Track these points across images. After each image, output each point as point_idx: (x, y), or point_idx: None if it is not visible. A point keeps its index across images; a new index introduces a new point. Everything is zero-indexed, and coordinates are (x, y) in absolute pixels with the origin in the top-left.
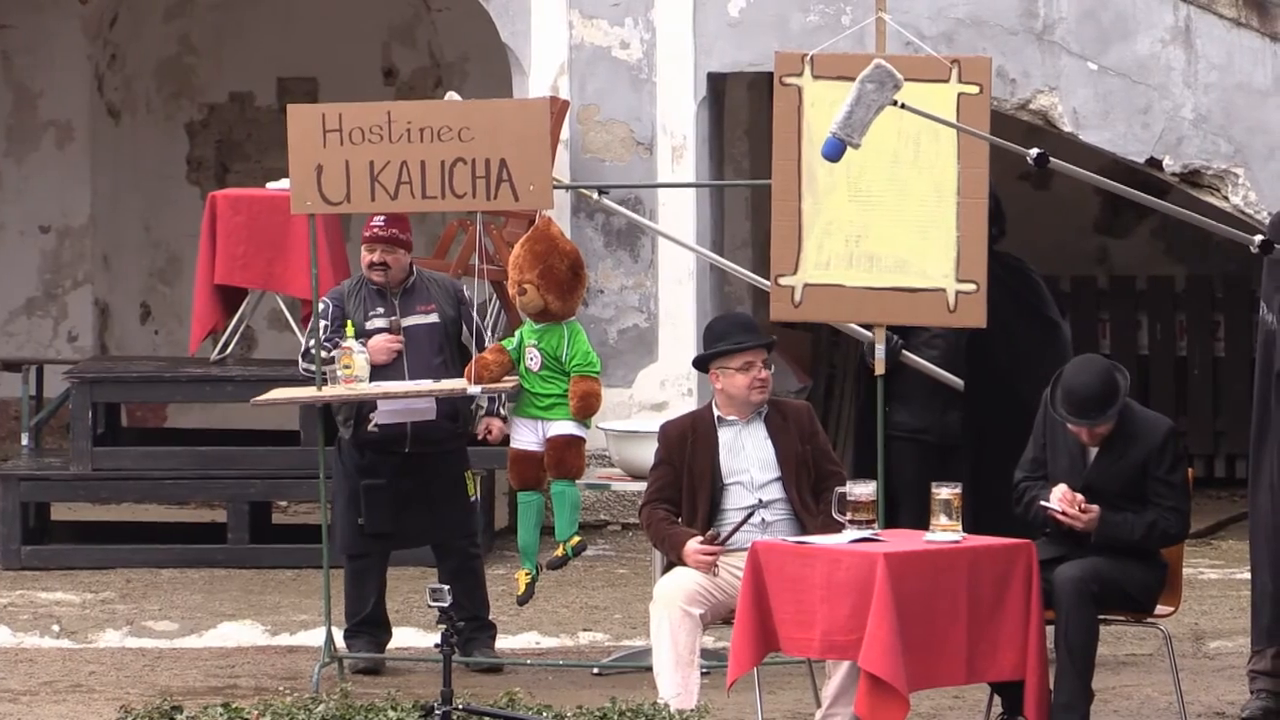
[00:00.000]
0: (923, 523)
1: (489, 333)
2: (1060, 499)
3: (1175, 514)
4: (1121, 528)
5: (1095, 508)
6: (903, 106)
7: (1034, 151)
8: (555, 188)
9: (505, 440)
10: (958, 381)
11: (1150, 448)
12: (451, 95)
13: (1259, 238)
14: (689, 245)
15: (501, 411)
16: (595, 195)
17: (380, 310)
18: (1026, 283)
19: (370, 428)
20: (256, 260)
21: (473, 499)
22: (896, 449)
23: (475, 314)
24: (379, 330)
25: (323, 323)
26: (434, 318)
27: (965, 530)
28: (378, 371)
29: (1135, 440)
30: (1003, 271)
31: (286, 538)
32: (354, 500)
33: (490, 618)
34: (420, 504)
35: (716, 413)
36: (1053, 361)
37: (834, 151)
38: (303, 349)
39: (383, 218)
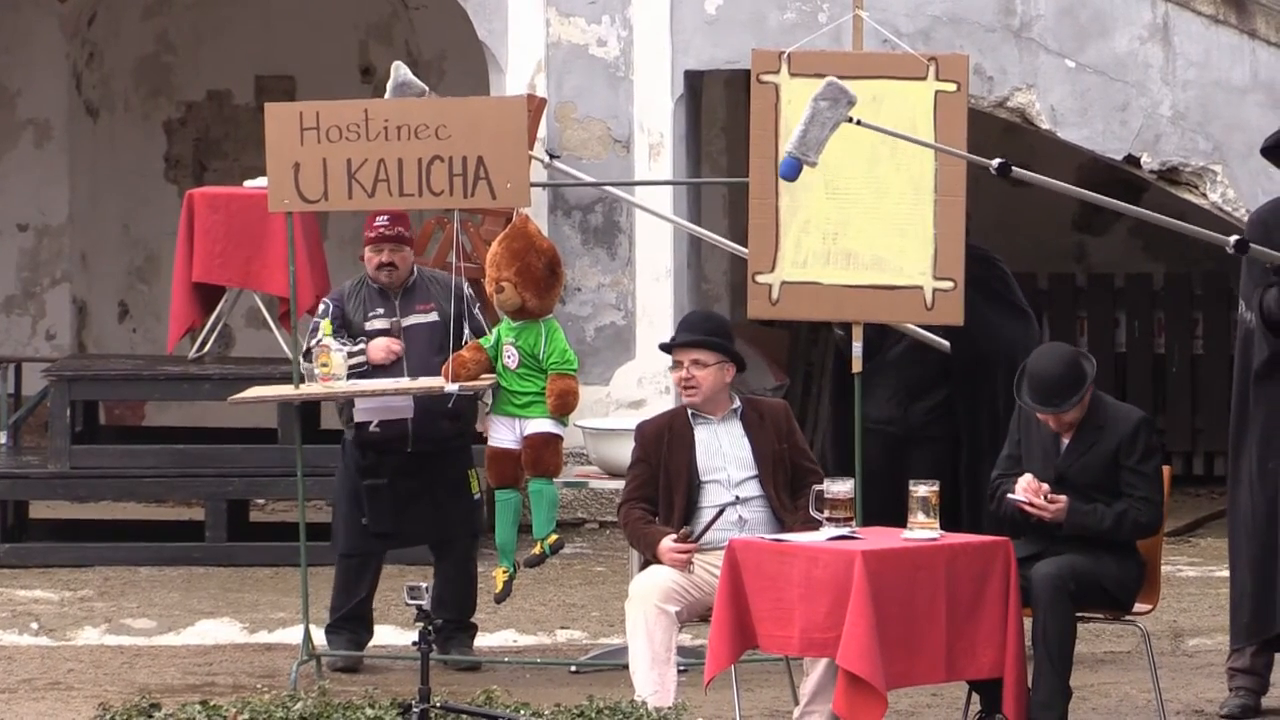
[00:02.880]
0: (888, 514)
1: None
2: (1025, 489)
3: (1146, 504)
4: (1090, 517)
5: (1063, 498)
6: (858, 123)
7: (995, 161)
8: (534, 185)
9: None
10: (944, 343)
11: (1121, 437)
12: (398, 66)
13: (1234, 238)
14: (666, 216)
15: None
16: (547, 158)
17: (380, 310)
18: (994, 272)
19: (373, 427)
20: (234, 258)
21: (476, 497)
22: (862, 440)
23: (475, 311)
24: (379, 331)
25: (323, 322)
26: (434, 316)
27: (945, 526)
28: (379, 371)
29: (1106, 430)
30: (970, 262)
31: (264, 535)
32: (356, 499)
33: (472, 619)
34: (423, 503)
35: (691, 410)
36: (1027, 351)
37: (791, 171)
38: (304, 349)
39: (386, 217)
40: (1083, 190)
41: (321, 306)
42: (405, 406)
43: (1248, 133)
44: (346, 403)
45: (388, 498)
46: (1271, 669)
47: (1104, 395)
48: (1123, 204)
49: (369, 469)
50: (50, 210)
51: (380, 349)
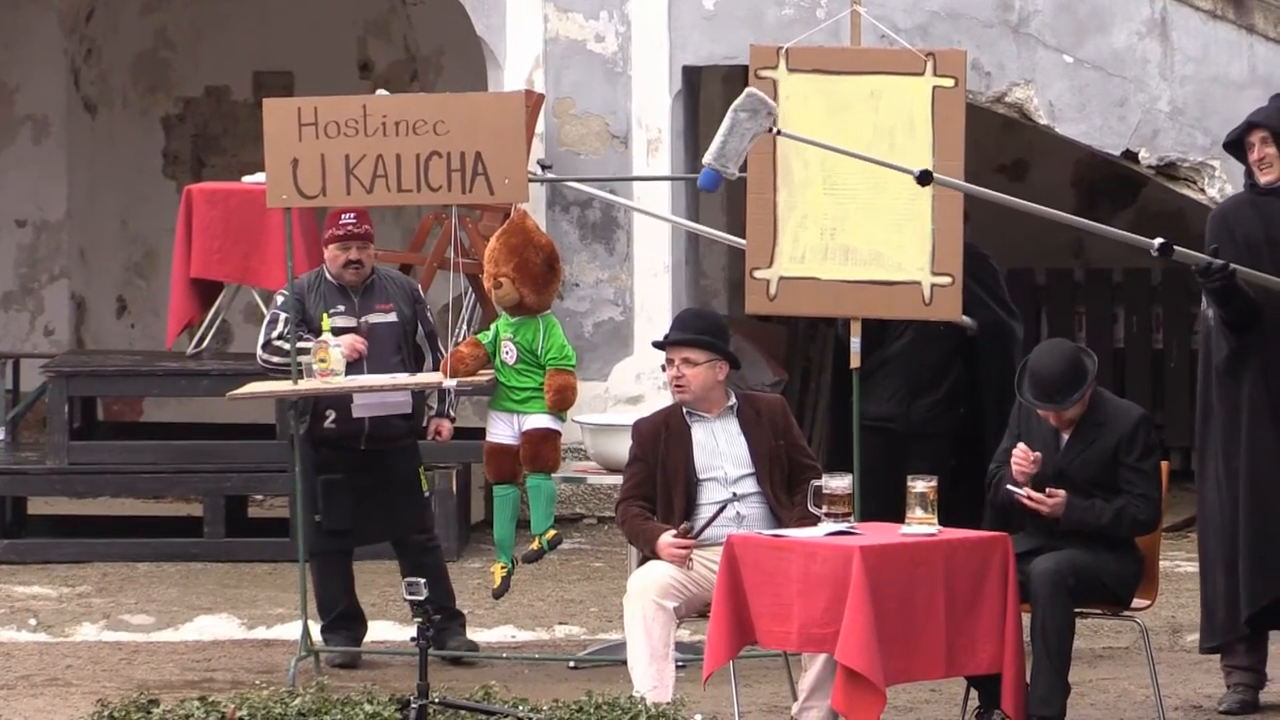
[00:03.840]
0: (887, 511)
1: (464, 326)
2: (1017, 459)
3: (1145, 501)
4: (1089, 512)
5: (1061, 492)
6: (778, 133)
7: (918, 169)
8: (531, 180)
9: (455, 438)
10: (971, 323)
11: (1121, 434)
12: (381, 93)
13: (1158, 241)
14: (661, 215)
15: (450, 412)
16: (540, 170)
17: (341, 308)
18: (990, 273)
19: (328, 424)
20: (232, 254)
21: (427, 494)
22: (862, 437)
23: (430, 314)
24: (343, 329)
25: (283, 314)
26: (393, 316)
27: (957, 516)
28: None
29: (1106, 427)
30: (967, 260)
31: (262, 531)
32: (311, 497)
33: (457, 607)
34: (377, 500)
35: (687, 408)
36: (1021, 352)
37: (710, 182)
38: (261, 341)
39: (353, 215)
40: (999, 194)
41: (280, 299)
42: (404, 402)
43: None
44: (301, 399)
45: (343, 494)
46: (1266, 662)
47: (1104, 392)
48: (1041, 208)
49: (324, 465)
50: (48, 206)
51: (347, 347)
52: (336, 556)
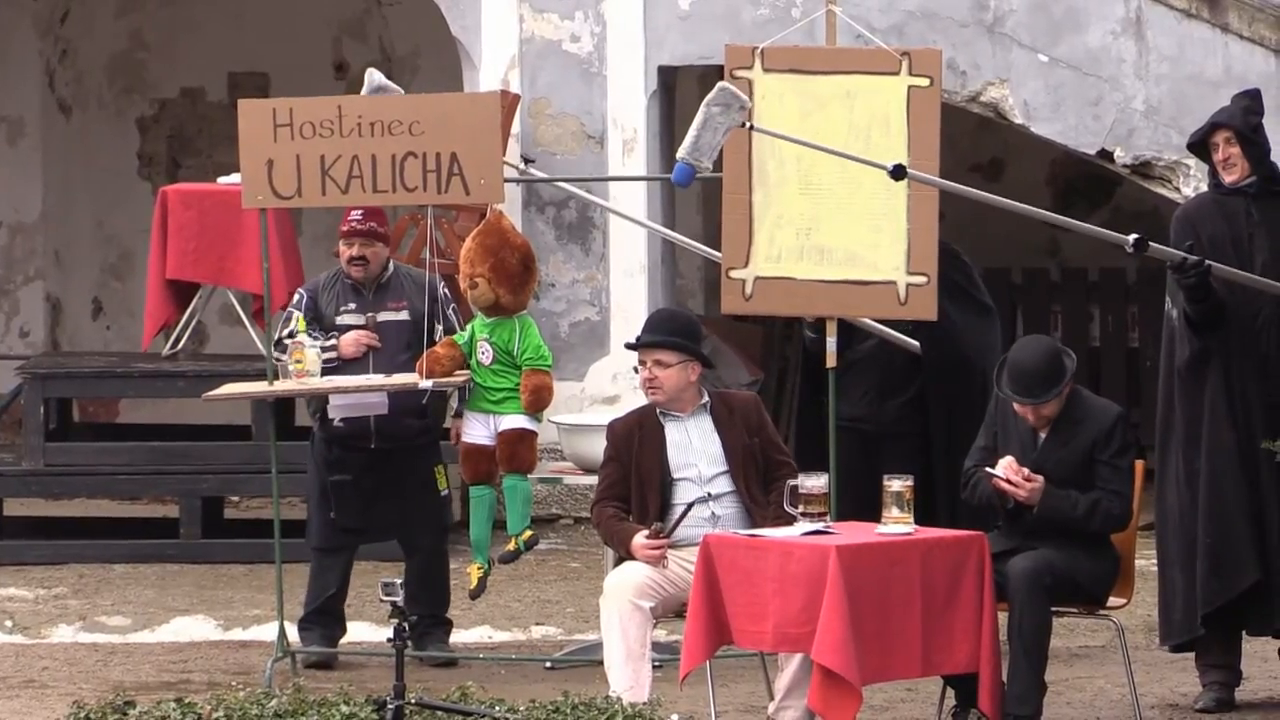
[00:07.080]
0: (860, 512)
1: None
2: (1005, 467)
3: (1118, 497)
4: (1065, 501)
5: (1039, 478)
6: (751, 128)
7: (891, 164)
8: (506, 181)
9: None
10: (913, 344)
11: (1098, 432)
12: (372, 72)
13: (1133, 237)
14: (637, 220)
15: None
16: (523, 164)
17: (353, 305)
18: (960, 268)
19: (336, 422)
20: (208, 255)
21: (443, 493)
22: (836, 437)
23: (450, 312)
24: (351, 326)
25: (296, 313)
26: (405, 315)
27: (920, 522)
28: (345, 366)
29: (1084, 425)
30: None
31: (239, 533)
32: (324, 494)
33: (447, 614)
34: (389, 499)
35: (659, 408)
36: (990, 349)
37: (684, 177)
38: (275, 338)
39: (360, 211)
40: (972, 190)
41: (295, 296)
42: (380, 403)
43: None
44: (304, 398)
45: (353, 494)
46: (1241, 660)
47: (1082, 390)
48: (1015, 203)
49: (334, 464)
50: (24, 207)
51: (351, 342)
52: (342, 554)
